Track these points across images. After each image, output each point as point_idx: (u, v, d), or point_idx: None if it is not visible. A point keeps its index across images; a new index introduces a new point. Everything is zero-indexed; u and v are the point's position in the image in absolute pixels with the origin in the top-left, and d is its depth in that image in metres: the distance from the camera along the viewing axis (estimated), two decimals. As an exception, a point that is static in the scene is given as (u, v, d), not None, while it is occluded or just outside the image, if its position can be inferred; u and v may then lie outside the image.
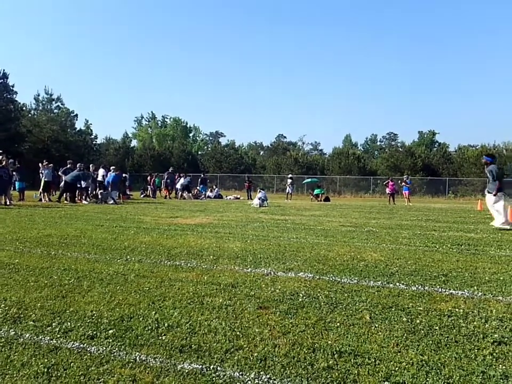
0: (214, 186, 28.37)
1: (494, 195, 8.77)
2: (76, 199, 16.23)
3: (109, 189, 16.66)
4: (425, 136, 61.62)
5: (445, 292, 3.60)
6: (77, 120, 45.84)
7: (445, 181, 35.25)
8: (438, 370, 2.12)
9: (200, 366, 2.12)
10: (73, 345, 2.34)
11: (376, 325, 2.74)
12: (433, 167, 39.81)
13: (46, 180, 16.08)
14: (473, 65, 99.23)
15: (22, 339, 2.42)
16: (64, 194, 16.19)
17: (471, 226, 9.27)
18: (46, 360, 2.16)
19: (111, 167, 19.12)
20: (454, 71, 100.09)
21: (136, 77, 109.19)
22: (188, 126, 71.58)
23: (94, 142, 46.68)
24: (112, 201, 16.02)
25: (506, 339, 2.54)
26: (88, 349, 2.30)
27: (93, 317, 2.79)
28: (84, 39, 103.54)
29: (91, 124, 49.90)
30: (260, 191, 17.48)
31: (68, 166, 16.90)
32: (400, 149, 44.31)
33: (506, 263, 4.92)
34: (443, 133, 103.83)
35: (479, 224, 9.82)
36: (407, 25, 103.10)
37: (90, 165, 18.54)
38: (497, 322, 2.85)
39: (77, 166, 16.59)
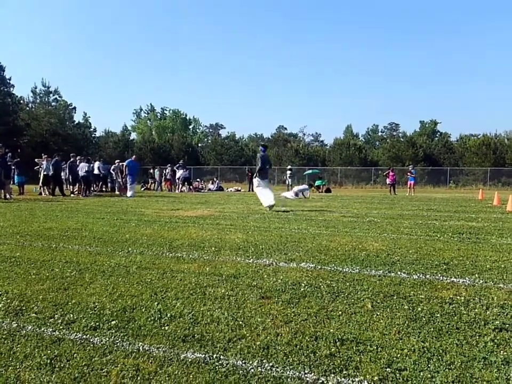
0: (215, 179, 28.34)
1: (254, 178, 9.90)
2: (72, 192, 16.26)
3: (128, 178, 16.30)
4: (427, 125, 61.21)
5: (446, 280, 3.60)
6: (75, 113, 45.83)
7: (446, 170, 35.21)
8: (440, 357, 2.13)
9: (203, 355, 2.12)
10: (76, 337, 2.35)
11: (378, 313, 2.75)
12: (435, 157, 39.74)
13: (45, 173, 16.07)
14: (475, 53, 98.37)
15: (24, 331, 2.43)
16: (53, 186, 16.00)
17: (472, 215, 9.26)
18: (49, 351, 2.17)
19: (116, 160, 19.10)
20: (455, 60, 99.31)
21: (134, 69, 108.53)
22: (188, 118, 71.14)
23: (93, 135, 46.59)
24: (130, 194, 15.80)
25: (507, 326, 2.54)
26: (91, 340, 2.30)
27: (96, 309, 2.80)
28: (81, 34, 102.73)
29: (89, 117, 49.86)
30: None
31: (71, 159, 16.90)
32: (402, 139, 44.13)
33: (508, 251, 4.92)
34: (445, 122, 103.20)
35: (480, 213, 9.82)
36: (408, 14, 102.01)
37: (89, 158, 18.52)
38: (498, 309, 2.86)
39: (77, 159, 16.60)
